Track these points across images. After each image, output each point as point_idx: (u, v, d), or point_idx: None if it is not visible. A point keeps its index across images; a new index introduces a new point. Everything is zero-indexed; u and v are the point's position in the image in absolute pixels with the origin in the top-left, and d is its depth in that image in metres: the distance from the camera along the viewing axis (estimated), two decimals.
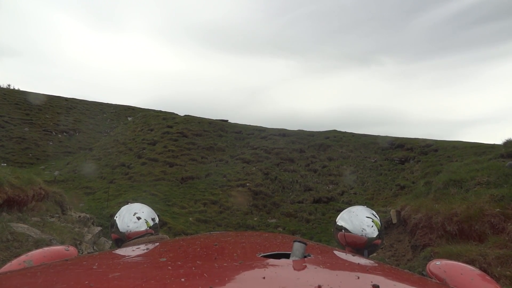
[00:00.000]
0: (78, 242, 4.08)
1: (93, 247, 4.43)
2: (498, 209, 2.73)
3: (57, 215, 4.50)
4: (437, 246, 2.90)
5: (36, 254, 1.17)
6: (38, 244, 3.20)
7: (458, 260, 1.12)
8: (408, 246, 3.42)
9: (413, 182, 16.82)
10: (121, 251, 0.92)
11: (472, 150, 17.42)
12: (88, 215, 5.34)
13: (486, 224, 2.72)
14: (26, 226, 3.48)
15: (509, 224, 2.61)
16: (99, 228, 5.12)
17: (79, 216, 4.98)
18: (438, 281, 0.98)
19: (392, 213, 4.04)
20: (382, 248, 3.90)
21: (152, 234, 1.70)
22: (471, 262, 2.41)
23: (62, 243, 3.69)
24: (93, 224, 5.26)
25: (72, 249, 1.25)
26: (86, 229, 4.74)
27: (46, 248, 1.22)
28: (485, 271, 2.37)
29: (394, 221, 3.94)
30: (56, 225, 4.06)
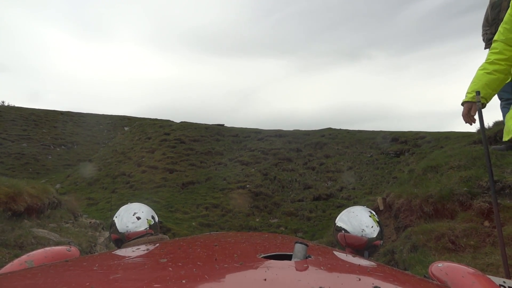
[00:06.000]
0: (93, 244, 4.42)
1: (106, 249, 4.77)
2: (465, 189, 3.09)
3: (70, 221, 4.83)
4: (416, 226, 3.25)
5: (37, 254, 1.17)
6: (59, 246, 3.52)
7: (460, 263, 1.15)
8: (392, 229, 3.75)
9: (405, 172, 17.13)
10: (121, 252, 0.92)
11: (464, 139, 17.73)
12: (98, 221, 5.70)
13: (456, 203, 3.06)
14: (46, 231, 3.80)
15: (474, 200, 2.97)
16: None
17: (90, 222, 5.34)
18: (439, 283, 0.97)
19: (379, 200, 4.37)
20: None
21: (151, 234, 1.71)
22: (441, 236, 2.75)
23: (79, 245, 4.01)
24: (103, 229, 5.61)
25: (74, 249, 1.24)
26: (98, 233, 5.10)
27: (47, 248, 1.22)
28: (453, 242, 2.72)
29: (381, 207, 4.29)
30: (71, 230, 4.39)
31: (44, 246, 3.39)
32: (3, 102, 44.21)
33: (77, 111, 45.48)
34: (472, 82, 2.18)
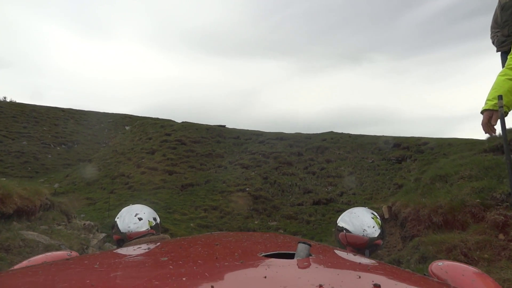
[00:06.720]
0: (85, 247, 4.27)
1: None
2: (478, 200, 2.93)
3: (63, 223, 4.68)
4: (424, 236, 3.09)
5: (37, 259, 1.17)
6: (48, 249, 3.37)
7: (459, 261, 1.14)
8: (398, 238, 3.60)
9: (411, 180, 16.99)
10: (122, 251, 0.92)
11: (467, 146, 17.62)
12: (92, 223, 5.54)
13: (467, 214, 2.90)
14: (35, 233, 3.66)
15: (487, 213, 2.81)
16: (104, 235, 5.31)
17: (84, 224, 5.17)
18: (439, 281, 0.96)
19: (384, 209, 4.22)
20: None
21: (153, 234, 1.70)
22: (453, 247, 2.59)
23: (70, 248, 3.85)
24: (97, 231, 5.44)
25: (74, 254, 1.22)
26: (91, 235, 4.94)
27: (48, 254, 1.22)
28: (465, 255, 2.56)
29: (386, 216, 4.13)
30: (64, 232, 4.24)
31: (32, 249, 3.25)
32: (4, 98, 44.20)
33: (78, 108, 45.36)
34: (493, 88, 2.02)
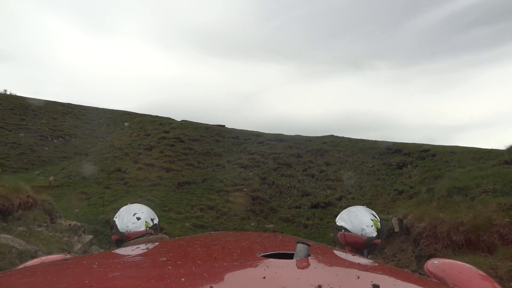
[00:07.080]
0: (66, 252, 3.92)
1: None
2: (507, 219, 2.61)
3: (45, 224, 4.31)
4: (443, 257, 2.77)
5: (33, 263, 1.11)
6: (21, 255, 3.04)
7: (455, 260, 1.10)
8: (412, 256, 3.29)
9: (411, 187, 16.74)
10: (121, 251, 0.91)
11: (470, 155, 17.38)
12: (79, 223, 5.15)
13: (494, 235, 2.59)
14: (10, 236, 3.32)
15: None
16: (91, 237, 4.96)
17: (69, 225, 4.80)
18: (437, 280, 0.97)
19: (394, 221, 3.91)
20: (384, 258, 3.74)
21: (152, 234, 1.69)
22: None
23: (48, 253, 3.52)
24: (84, 232, 5.07)
25: (70, 257, 1.16)
26: (76, 238, 4.57)
27: (44, 257, 1.21)
28: None
29: (396, 229, 3.82)
30: (44, 235, 3.88)
31: (4, 255, 2.92)
32: (5, 90, 44.02)
33: (78, 103, 45.14)
34: None
